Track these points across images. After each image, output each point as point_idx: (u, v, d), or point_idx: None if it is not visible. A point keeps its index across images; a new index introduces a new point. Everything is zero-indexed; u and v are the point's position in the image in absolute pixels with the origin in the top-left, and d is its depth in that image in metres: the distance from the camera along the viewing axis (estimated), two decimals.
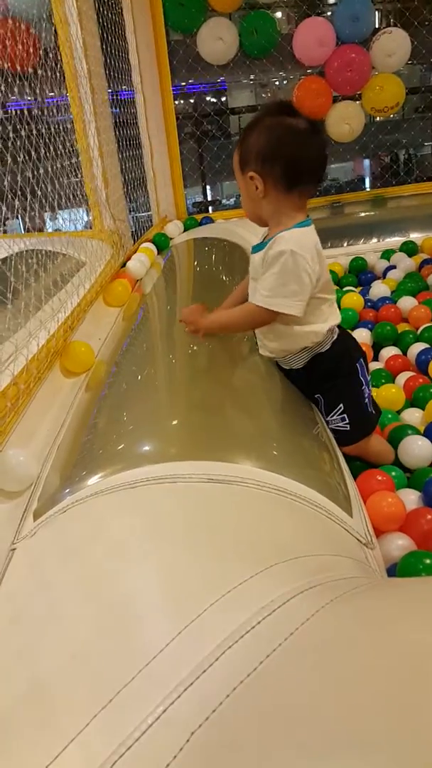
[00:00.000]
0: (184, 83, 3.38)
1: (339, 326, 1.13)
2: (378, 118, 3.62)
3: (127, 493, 0.66)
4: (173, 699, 0.40)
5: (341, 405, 1.12)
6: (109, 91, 2.17)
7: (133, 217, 2.72)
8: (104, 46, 2.08)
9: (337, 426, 1.13)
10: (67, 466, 0.82)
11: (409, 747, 0.34)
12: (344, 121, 2.88)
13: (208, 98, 4.42)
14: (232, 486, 0.67)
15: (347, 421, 1.12)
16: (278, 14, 3.26)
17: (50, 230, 2.12)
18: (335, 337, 1.11)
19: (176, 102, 2.97)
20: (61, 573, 0.57)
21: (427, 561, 0.87)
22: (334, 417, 1.13)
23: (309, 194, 1.05)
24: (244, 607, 0.46)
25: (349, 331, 1.92)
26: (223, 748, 0.37)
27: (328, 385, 1.13)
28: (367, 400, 1.15)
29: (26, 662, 0.48)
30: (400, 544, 0.96)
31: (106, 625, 0.48)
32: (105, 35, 2.10)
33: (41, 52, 1.64)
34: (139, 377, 1.04)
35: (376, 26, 3.13)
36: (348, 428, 1.12)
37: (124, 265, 1.94)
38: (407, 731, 0.35)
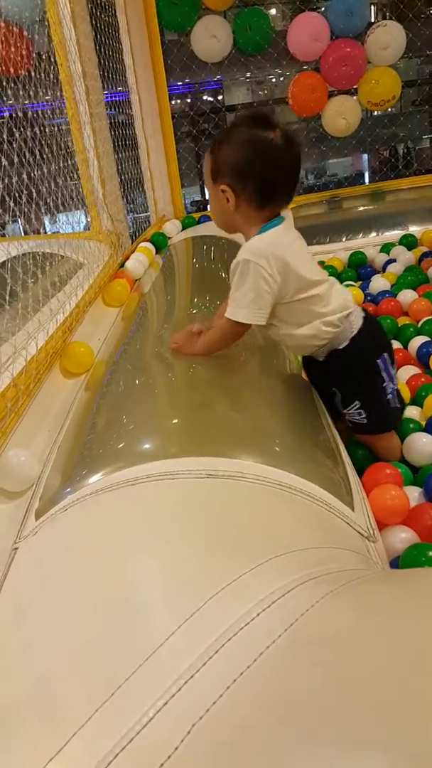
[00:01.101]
0: (180, 83, 3.38)
1: (365, 317, 1.08)
2: (375, 112, 3.61)
3: (128, 491, 0.66)
4: (174, 692, 0.40)
5: (357, 402, 1.10)
6: (105, 93, 2.18)
7: (131, 218, 2.72)
8: (98, 48, 2.08)
9: (354, 418, 1.12)
10: (67, 465, 0.82)
11: (408, 738, 0.34)
12: (340, 116, 2.88)
13: (204, 97, 4.42)
14: (231, 481, 0.68)
15: (364, 415, 1.11)
16: (272, 11, 3.25)
17: (49, 233, 2.12)
18: (354, 332, 1.06)
19: (172, 102, 2.97)
20: (63, 569, 0.57)
21: (430, 553, 0.86)
22: (351, 411, 1.11)
23: (282, 206, 1.03)
24: (244, 600, 0.47)
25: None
26: (224, 740, 0.38)
27: (345, 383, 1.11)
28: (390, 396, 1.11)
29: (30, 657, 0.48)
30: (403, 537, 0.96)
31: (108, 619, 0.48)
32: (99, 36, 2.10)
33: (35, 54, 1.64)
34: (139, 376, 1.04)
35: (372, 20, 3.13)
36: (365, 422, 1.11)
37: (122, 265, 1.94)
38: (407, 723, 0.35)
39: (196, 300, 1.56)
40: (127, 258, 1.98)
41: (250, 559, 0.52)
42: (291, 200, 1.03)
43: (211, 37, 2.75)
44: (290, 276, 0.99)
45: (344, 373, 1.10)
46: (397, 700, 0.36)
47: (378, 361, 1.09)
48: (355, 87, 2.88)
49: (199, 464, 0.69)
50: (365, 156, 5.12)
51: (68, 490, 0.73)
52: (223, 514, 0.62)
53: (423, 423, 1.33)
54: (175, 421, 0.85)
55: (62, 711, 0.42)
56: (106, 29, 2.22)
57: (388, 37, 2.73)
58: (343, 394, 1.12)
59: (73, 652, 0.46)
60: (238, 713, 0.39)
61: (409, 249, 2.48)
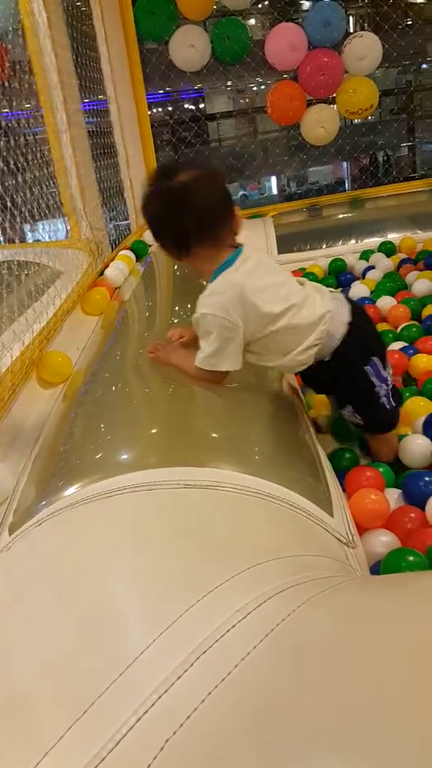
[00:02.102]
0: (161, 91, 3.39)
1: (350, 322, 1.03)
2: (354, 121, 3.66)
3: (103, 503, 0.65)
4: (148, 707, 0.39)
5: (350, 406, 1.12)
6: (85, 101, 2.18)
7: (112, 226, 2.71)
8: (76, 57, 2.08)
9: (351, 420, 1.14)
10: (43, 478, 0.81)
11: (388, 744, 0.34)
12: (319, 125, 2.91)
13: (185, 105, 4.44)
14: (208, 491, 0.67)
15: (359, 417, 1.13)
16: (251, 21, 3.29)
17: (29, 241, 2.10)
18: (337, 343, 1.03)
19: (152, 110, 2.98)
20: (37, 584, 0.56)
21: (410, 558, 0.87)
22: (346, 413, 1.13)
23: (216, 236, 0.98)
24: (220, 611, 0.46)
25: None
26: (198, 754, 0.37)
27: (336, 389, 1.14)
28: (383, 398, 1.09)
29: (1, 674, 0.47)
30: (383, 540, 0.96)
31: (82, 634, 0.47)
32: (76, 45, 2.10)
33: (9, 65, 1.64)
34: (117, 386, 1.03)
35: (350, 31, 3.18)
36: (363, 423, 1.14)
37: (102, 273, 1.93)
38: (387, 729, 0.35)
39: (177, 308, 1.56)
40: (107, 266, 1.98)
41: (227, 569, 0.52)
42: (231, 222, 0.99)
43: (190, 47, 2.77)
44: (252, 315, 0.98)
45: (333, 381, 1.10)
46: (376, 706, 0.36)
47: (367, 367, 1.07)
48: (333, 96, 2.92)
49: (176, 474, 0.69)
50: (345, 164, 5.19)
51: (43, 503, 0.72)
52: (200, 525, 0.61)
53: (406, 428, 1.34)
54: (153, 431, 0.84)
55: (34, 730, 0.41)
56: (84, 38, 2.22)
57: (365, 48, 2.78)
58: (337, 397, 1.16)
59: (46, 669, 0.45)
60: (213, 726, 0.39)
61: (388, 256, 2.51)
